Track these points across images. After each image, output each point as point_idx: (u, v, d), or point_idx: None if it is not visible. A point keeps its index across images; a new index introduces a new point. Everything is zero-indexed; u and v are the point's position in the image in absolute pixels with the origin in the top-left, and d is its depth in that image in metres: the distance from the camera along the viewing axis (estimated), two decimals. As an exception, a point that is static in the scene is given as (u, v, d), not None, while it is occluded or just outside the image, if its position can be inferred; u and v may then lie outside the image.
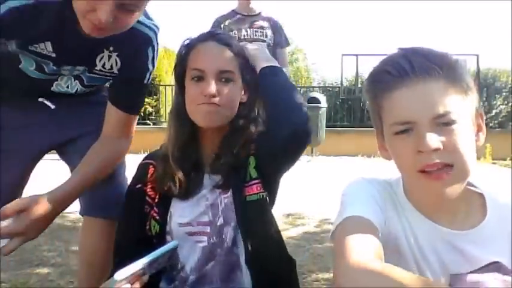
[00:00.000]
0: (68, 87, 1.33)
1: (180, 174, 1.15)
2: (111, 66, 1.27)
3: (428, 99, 0.80)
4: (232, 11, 3.28)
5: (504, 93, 9.31)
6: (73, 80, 1.31)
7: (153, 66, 1.30)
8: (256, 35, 2.96)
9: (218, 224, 1.15)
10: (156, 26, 1.27)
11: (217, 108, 1.12)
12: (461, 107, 0.82)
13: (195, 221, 1.16)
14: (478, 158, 7.35)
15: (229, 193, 1.16)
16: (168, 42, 11.16)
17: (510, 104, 9.24)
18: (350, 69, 9.84)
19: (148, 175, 1.21)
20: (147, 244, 1.15)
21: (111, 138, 1.33)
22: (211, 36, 1.17)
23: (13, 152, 1.34)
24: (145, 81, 1.31)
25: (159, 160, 1.20)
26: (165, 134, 1.22)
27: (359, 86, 9.15)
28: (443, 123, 0.80)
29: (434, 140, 0.79)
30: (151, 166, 1.22)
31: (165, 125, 9.93)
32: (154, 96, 9.51)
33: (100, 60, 1.26)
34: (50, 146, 1.42)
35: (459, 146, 0.80)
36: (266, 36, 3.01)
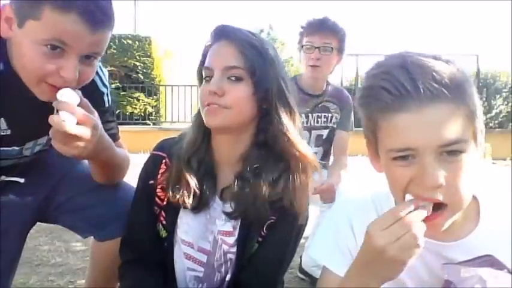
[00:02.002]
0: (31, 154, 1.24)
1: (193, 183, 1.06)
2: None
3: (433, 127, 0.72)
4: (295, 82, 2.01)
5: (504, 94, 9.30)
6: (34, 155, 1.24)
7: (106, 87, 1.23)
8: (318, 122, 2.08)
9: (217, 259, 1.10)
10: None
11: (222, 109, 1.02)
12: (469, 132, 0.74)
13: (196, 244, 1.11)
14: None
15: (234, 241, 1.08)
16: (168, 43, 11.17)
17: (510, 104, 9.23)
18: (350, 69, 9.85)
19: (161, 170, 1.13)
20: (160, 241, 1.13)
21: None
22: (221, 33, 1.07)
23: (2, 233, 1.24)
24: (106, 105, 1.24)
25: (175, 161, 1.10)
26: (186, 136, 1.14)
27: (359, 86, 9.14)
28: (448, 152, 0.73)
29: (438, 175, 0.72)
30: (164, 160, 1.13)
31: (165, 125, 9.80)
32: (155, 96, 9.50)
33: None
34: (35, 218, 1.34)
35: (460, 183, 0.74)
36: (331, 121, 2.10)
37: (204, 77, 1.07)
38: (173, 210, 1.11)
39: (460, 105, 0.73)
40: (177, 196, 1.07)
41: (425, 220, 0.76)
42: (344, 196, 1.04)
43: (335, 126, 2.12)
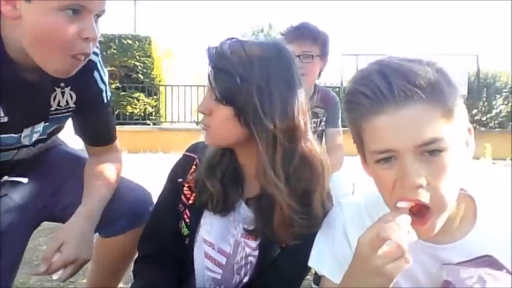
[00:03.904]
0: (28, 153, 1.24)
1: (216, 190, 1.08)
2: (67, 101, 1.20)
3: (411, 127, 0.73)
4: None
5: (504, 93, 9.30)
6: (33, 147, 1.23)
7: (105, 84, 1.24)
8: None
9: (237, 261, 1.11)
10: (96, 47, 1.18)
11: (207, 128, 1.04)
12: (449, 131, 0.75)
13: (217, 245, 1.12)
14: (478, 158, 7.35)
15: (256, 245, 1.09)
16: (168, 43, 11.15)
17: (510, 104, 9.22)
18: (350, 69, 9.84)
19: (191, 170, 1.15)
20: (180, 239, 1.14)
21: (100, 156, 1.30)
22: (206, 53, 1.05)
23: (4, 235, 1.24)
24: (105, 101, 1.26)
25: (201, 166, 1.12)
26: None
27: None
28: (428, 152, 0.74)
29: (418, 175, 0.73)
30: (195, 162, 1.15)
31: (165, 125, 9.77)
32: (155, 96, 9.50)
33: (54, 100, 1.17)
34: (40, 218, 1.34)
35: (442, 183, 0.75)
36: (319, 125, 2.10)
37: None
38: (198, 209, 1.13)
39: (436, 105, 0.74)
40: (202, 201, 1.10)
41: (414, 225, 0.76)
42: (341, 200, 1.03)
43: (323, 129, 2.12)
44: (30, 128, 1.17)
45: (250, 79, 0.98)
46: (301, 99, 1.03)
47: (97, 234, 1.34)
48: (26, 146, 1.20)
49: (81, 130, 1.30)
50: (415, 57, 0.79)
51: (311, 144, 1.05)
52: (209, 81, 1.02)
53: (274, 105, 0.99)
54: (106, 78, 1.25)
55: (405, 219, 0.74)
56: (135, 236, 1.23)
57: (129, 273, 1.31)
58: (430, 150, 0.74)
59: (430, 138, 0.73)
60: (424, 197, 0.75)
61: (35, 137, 1.20)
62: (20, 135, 1.16)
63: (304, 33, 1.94)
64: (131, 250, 1.24)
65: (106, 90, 1.25)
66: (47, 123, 1.19)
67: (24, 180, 1.28)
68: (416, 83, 0.73)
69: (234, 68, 0.99)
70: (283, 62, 1.02)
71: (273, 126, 0.98)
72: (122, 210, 1.26)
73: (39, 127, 1.19)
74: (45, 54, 0.99)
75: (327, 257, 0.96)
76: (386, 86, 0.74)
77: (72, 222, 1.15)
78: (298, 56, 1.89)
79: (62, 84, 1.15)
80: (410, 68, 0.75)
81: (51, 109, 1.17)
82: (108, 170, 1.28)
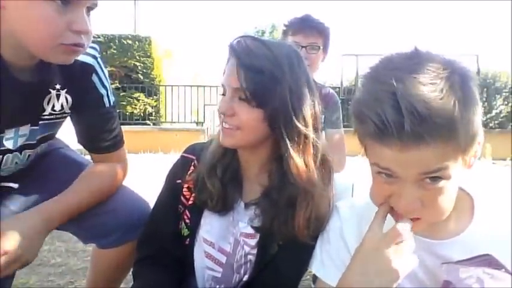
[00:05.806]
0: (16, 162, 1.16)
1: (217, 189, 1.07)
2: (62, 105, 1.14)
3: (416, 163, 0.71)
4: None
5: (504, 94, 9.30)
6: (20, 154, 1.15)
7: (105, 89, 1.19)
8: None
9: (237, 260, 1.11)
10: (94, 48, 1.15)
11: (235, 131, 1.00)
12: (455, 164, 0.73)
13: (217, 245, 1.12)
14: (478, 158, 7.33)
15: (255, 243, 1.09)
16: (168, 43, 11.17)
17: (510, 104, 9.23)
18: (350, 69, 9.84)
19: (189, 171, 1.14)
20: (180, 239, 1.14)
21: (102, 164, 1.25)
22: (233, 50, 1.01)
23: None
24: (107, 105, 1.20)
25: (201, 166, 1.11)
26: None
27: (359, 86, 9.13)
28: (430, 178, 0.73)
29: (414, 201, 0.74)
30: (193, 163, 1.15)
31: (165, 125, 9.76)
32: (155, 96, 9.51)
33: (48, 103, 1.11)
34: None
35: (437, 205, 0.76)
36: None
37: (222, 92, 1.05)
38: (198, 209, 1.13)
39: (448, 143, 0.70)
40: (202, 199, 1.10)
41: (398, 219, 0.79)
42: (337, 204, 1.04)
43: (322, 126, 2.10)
44: (13, 130, 1.10)
45: (281, 79, 0.96)
46: (319, 101, 1.05)
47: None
48: (10, 152, 1.13)
49: (81, 135, 1.26)
50: (438, 71, 0.71)
51: (324, 145, 1.08)
52: (237, 80, 0.96)
53: (303, 107, 0.99)
54: (107, 83, 1.21)
55: (405, 225, 0.77)
56: (131, 247, 1.20)
57: (129, 274, 1.31)
58: (431, 177, 0.73)
59: (431, 169, 0.72)
60: (417, 214, 0.77)
61: (21, 141, 1.13)
62: (3, 137, 1.09)
63: (311, 25, 1.97)
64: (127, 261, 1.22)
65: (108, 95, 1.21)
66: (35, 127, 1.14)
67: (15, 185, 1.24)
68: (432, 127, 0.67)
69: (265, 67, 0.95)
70: (302, 64, 1.02)
71: (305, 128, 0.99)
72: (117, 222, 1.23)
73: (26, 130, 1.13)
74: (36, 42, 0.94)
75: (323, 259, 0.97)
76: (398, 124, 0.67)
77: (20, 218, 1.08)
78: (305, 46, 1.93)
79: (58, 87, 1.11)
80: (429, 103, 0.67)
81: (44, 113, 1.12)
82: (102, 176, 1.23)
